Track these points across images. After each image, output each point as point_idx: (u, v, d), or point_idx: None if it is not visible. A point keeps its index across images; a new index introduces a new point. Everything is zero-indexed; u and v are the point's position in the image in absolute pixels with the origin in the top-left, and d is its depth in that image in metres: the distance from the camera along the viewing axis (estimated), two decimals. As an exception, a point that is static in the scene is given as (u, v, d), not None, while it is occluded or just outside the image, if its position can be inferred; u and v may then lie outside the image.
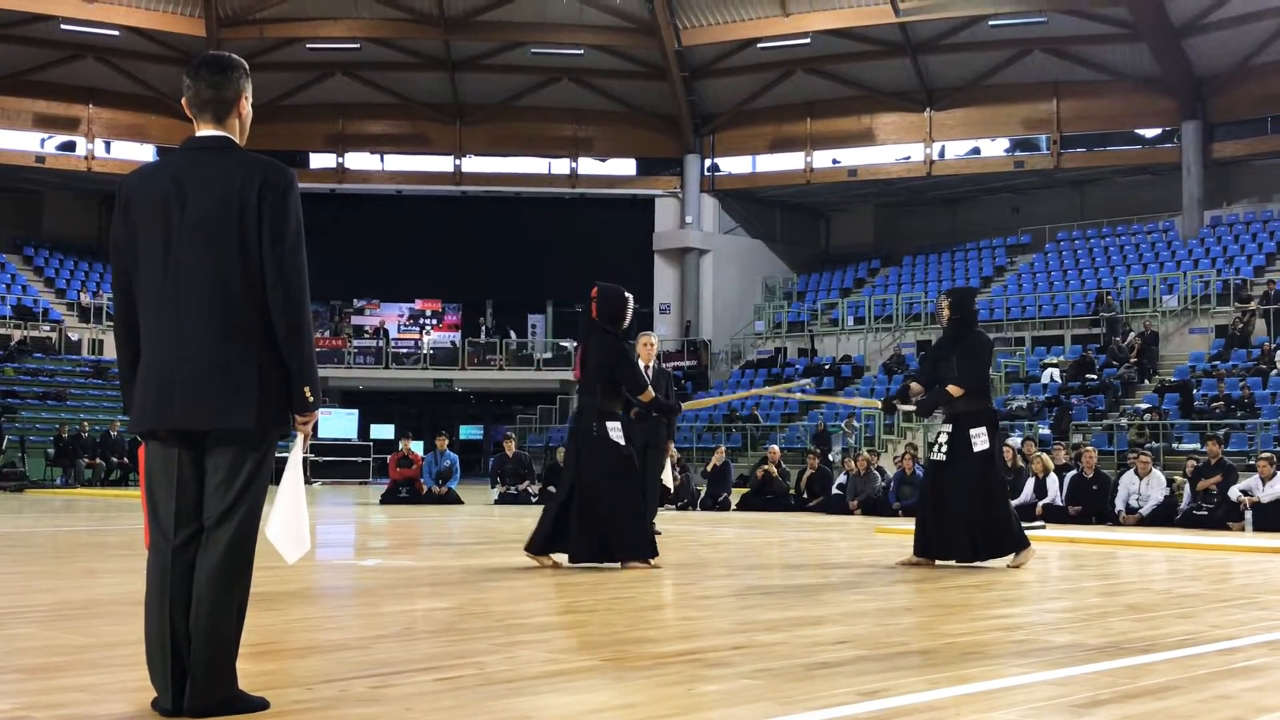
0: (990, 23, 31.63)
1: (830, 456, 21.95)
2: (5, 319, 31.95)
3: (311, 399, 3.60)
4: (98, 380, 30.95)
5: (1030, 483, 16.12)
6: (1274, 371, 23.44)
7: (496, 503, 19.17)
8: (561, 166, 36.83)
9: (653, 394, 8.67)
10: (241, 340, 3.53)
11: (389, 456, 20.98)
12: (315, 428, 3.80)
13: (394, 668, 4.38)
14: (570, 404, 33.31)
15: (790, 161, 35.93)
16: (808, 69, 34.32)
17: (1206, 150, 31.43)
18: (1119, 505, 15.32)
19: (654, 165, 36.86)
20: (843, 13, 32.33)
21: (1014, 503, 10.76)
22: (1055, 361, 26.82)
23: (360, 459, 28.86)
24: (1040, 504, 15.71)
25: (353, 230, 34.98)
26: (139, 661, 3.68)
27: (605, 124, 36.41)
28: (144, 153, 34.76)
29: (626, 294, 8.57)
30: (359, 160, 37.00)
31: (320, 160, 36.51)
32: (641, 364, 9.73)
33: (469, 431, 39.58)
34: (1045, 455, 16.76)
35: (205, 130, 3.66)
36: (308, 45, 34.39)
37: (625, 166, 37.29)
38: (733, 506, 18.35)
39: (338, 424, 30.66)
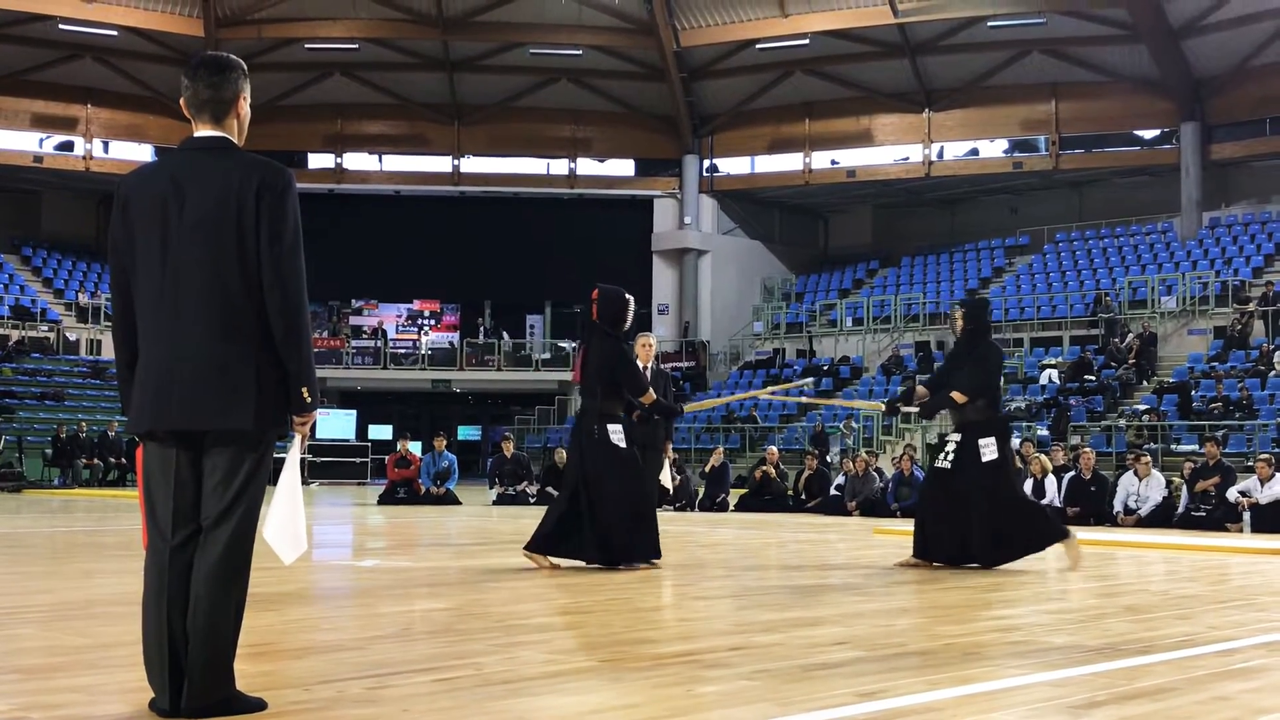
0: (989, 24, 31.64)
1: (828, 458, 21.95)
2: (3, 319, 31.93)
3: (309, 399, 3.60)
4: (95, 380, 30.93)
5: (1028, 484, 16.12)
6: (1272, 373, 23.45)
7: (494, 503, 19.17)
8: (560, 167, 36.83)
9: (654, 396, 8.66)
10: (239, 341, 3.53)
11: (387, 457, 20.97)
12: (313, 428, 3.80)
13: (391, 668, 4.37)
14: (569, 405, 33.34)
15: (789, 162, 35.93)
16: (806, 70, 34.33)
17: (1205, 151, 31.44)
18: (1117, 506, 15.33)
19: (652, 166, 36.86)
20: (841, 14, 32.34)
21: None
22: (1053, 363, 26.83)
23: (358, 459, 28.85)
24: (1038, 505, 15.70)
25: (351, 231, 34.99)
26: (136, 662, 3.68)
27: (604, 124, 36.41)
28: (142, 153, 34.75)
29: (627, 296, 8.56)
30: (357, 161, 36.99)
31: (318, 160, 36.50)
32: (640, 365, 9.73)
33: (467, 432, 39.57)
34: (1043, 456, 16.77)
35: (203, 130, 3.66)
36: (306, 45, 34.39)
37: (624, 167, 37.29)
38: (731, 507, 18.35)
39: (336, 424, 30.66)
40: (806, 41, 33.19)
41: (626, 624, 5.74)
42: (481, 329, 36.76)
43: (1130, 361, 25.68)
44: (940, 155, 34.74)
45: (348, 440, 30.30)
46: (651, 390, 8.66)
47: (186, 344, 3.52)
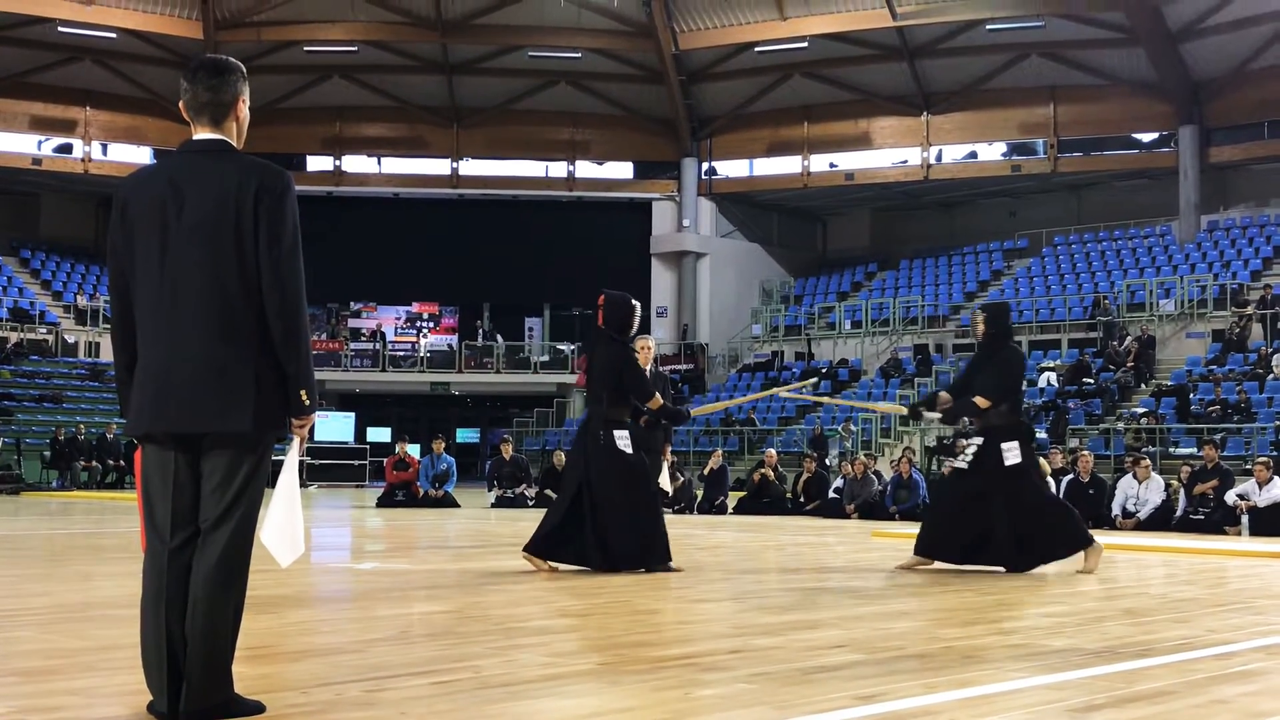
0: (987, 27, 31.66)
1: (827, 460, 21.95)
2: (2, 321, 31.91)
3: (308, 402, 3.60)
4: (94, 383, 30.91)
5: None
6: (1270, 376, 23.46)
7: (493, 506, 19.16)
8: (559, 169, 36.84)
9: (660, 401, 8.65)
10: (238, 343, 3.53)
11: (386, 459, 20.97)
12: (312, 431, 3.79)
13: (390, 671, 4.37)
14: (567, 407, 33.36)
15: (787, 165, 35.95)
16: (805, 73, 34.34)
17: (1203, 155, 31.46)
18: (1115, 510, 15.32)
19: (651, 168, 36.87)
20: (840, 17, 32.36)
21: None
22: (1052, 365, 26.84)
23: (357, 462, 28.84)
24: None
25: (350, 233, 34.99)
26: (135, 665, 3.67)
27: (602, 127, 36.43)
28: (141, 155, 34.75)
29: (633, 301, 8.59)
30: (356, 163, 36.99)
31: (317, 163, 36.49)
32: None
33: (466, 434, 39.57)
34: (1042, 459, 16.75)
35: (202, 133, 3.66)
36: (305, 48, 34.38)
37: (622, 170, 37.30)
38: (729, 510, 18.34)
39: (334, 427, 30.66)
40: (805, 44, 33.21)
41: (625, 627, 5.74)
42: (480, 332, 36.76)
43: (1129, 365, 25.69)
44: (939, 158, 34.76)
45: (346, 443, 30.30)
46: (658, 395, 8.65)
47: (185, 346, 3.52)
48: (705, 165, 36.45)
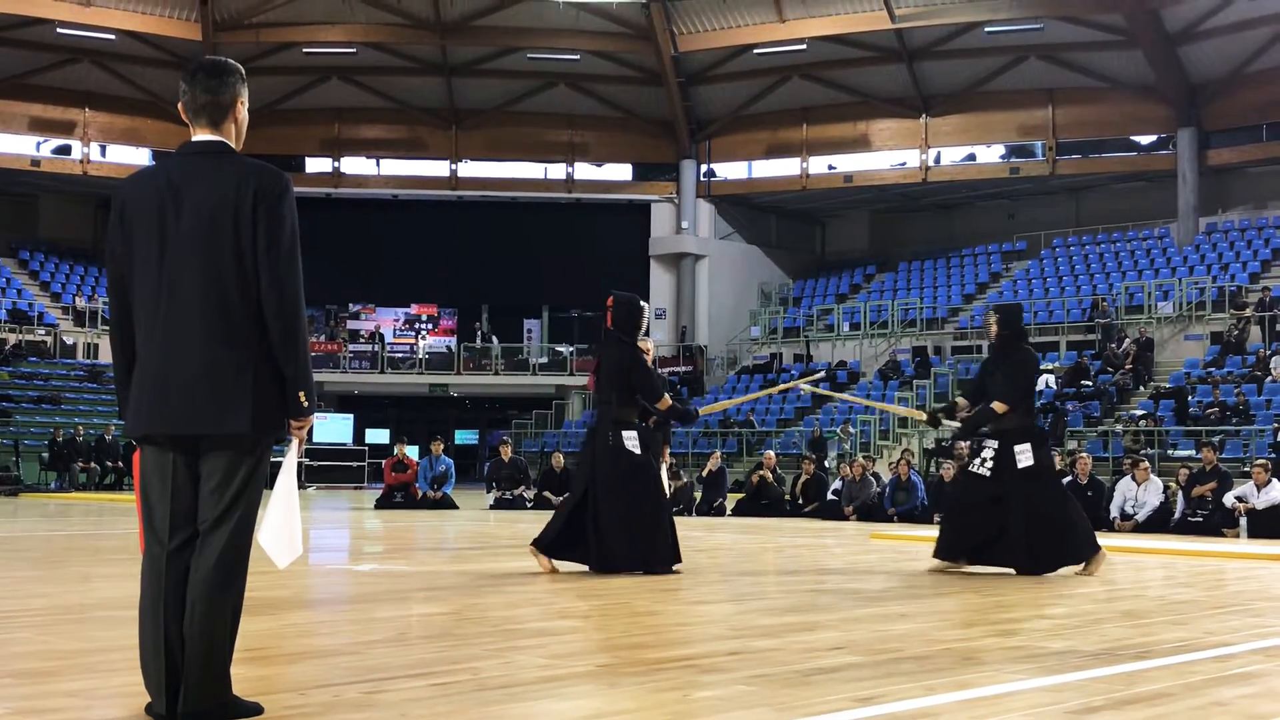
0: (986, 29, 31.68)
1: (826, 462, 21.95)
2: (0, 323, 31.91)
3: (306, 404, 3.60)
4: (92, 384, 30.91)
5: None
6: (1269, 378, 23.47)
7: (492, 508, 19.15)
8: (558, 171, 36.84)
9: (669, 401, 8.69)
10: (237, 345, 3.53)
11: (384, 461, 20.95)
12: (310, 432, 3.79)
13: (388, 673, 4.37)
14: (565, 409, 33.37)
15: (786, 167, 35.96)
16: (804, 75, 34.36)
17: (1202, 157, 31.48)
18: (1114, 512, 15.32)
19: (650, 170, 36.89)
20: (839, 19, 32.38)
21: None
22: (1050, 368, 26.83)
23: (355, 463, 28.83)
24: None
25: (348, 235, 34.98)
26: (133, 666, 3.67)
27: (601, 129, 36.44)
28: (139, 157, 34.76)
29: (642, 302, 8.65)
30: (355, 165, 36.99)
31: (316, 165, 36.50)
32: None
33: (464, 436, 39.57)
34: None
35: (201, 135, 3.66)
36: (304, 50, 34.39)
37: (621, 172, 37.31)
38: (728, 512, 18.34)
39: (333, 428, 30.66)
40: (804, 46, 33.23)
41: (623, 629, 5.74)
42: (478, 333, 36.76)
43: (1127, 367, 25.70)
44: (937, 160, 34.77)
45: (345, 444, 30.30)
46: (667, 396, 8.68)
47: (184, 348, 3.52)
48: (704, 167, 36.46)
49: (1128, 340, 26.67)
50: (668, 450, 11.59)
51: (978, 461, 8.90)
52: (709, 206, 36.45)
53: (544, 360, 35.40)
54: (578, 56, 34.70)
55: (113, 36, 32.68)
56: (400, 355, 35.89)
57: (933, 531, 9.96)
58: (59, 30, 32.11)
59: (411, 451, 21.03)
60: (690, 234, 35.96)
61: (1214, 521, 14.44)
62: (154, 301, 3.55)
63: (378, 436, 33.39)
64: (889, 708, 3.85)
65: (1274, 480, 14.28)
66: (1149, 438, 22.37)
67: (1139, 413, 23.58)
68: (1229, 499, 14.51)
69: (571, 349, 34.97)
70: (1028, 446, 8.64)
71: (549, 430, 32.40)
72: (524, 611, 6.37)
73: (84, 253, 36.35)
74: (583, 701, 3.96)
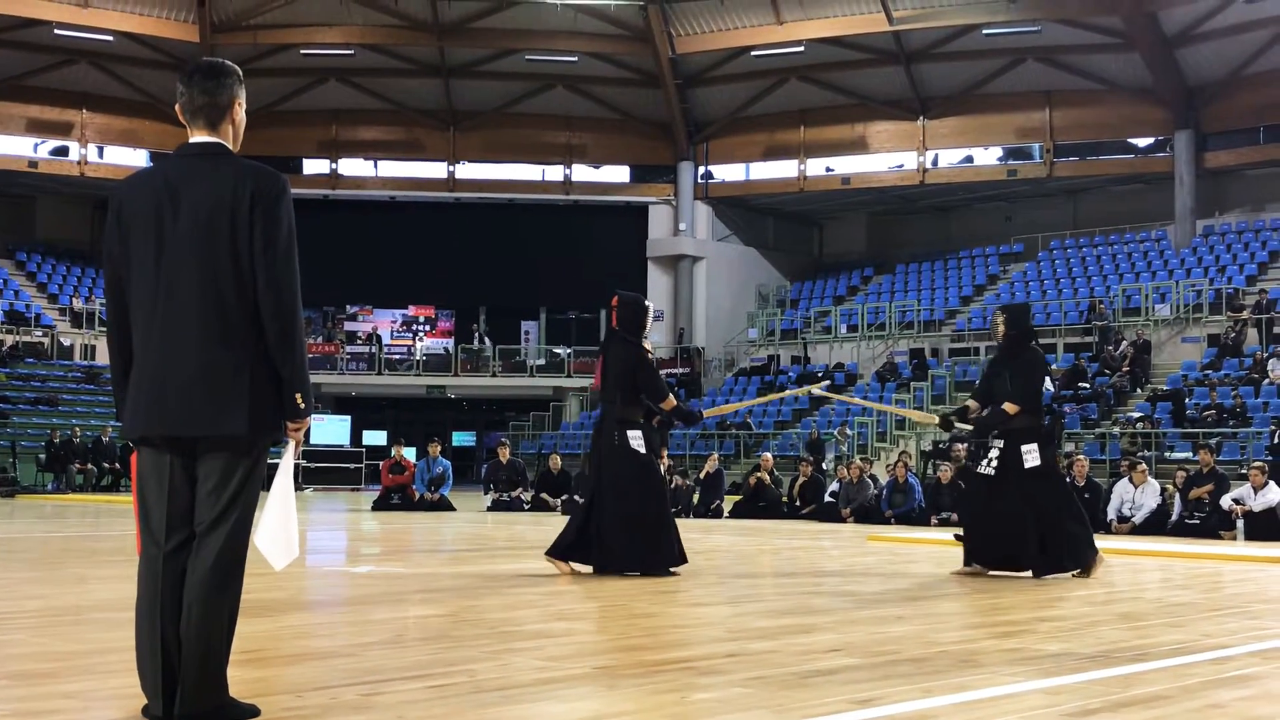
0: (983, 31, 31.70)
1: (823, 464, 21.95)
2: (-2, 324, 31.92)
3: (303, 405, 3.60)
4: (89, 385, 30.89)
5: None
6: (1266, 380, 23.49)
7: (489, 509, 19.13)
8: (555, 173, 36.85)
9: (674, 402, 8.70)
10: (233, 347, 3.53)
11: (381, 463, 20.94)
12: (307, 434, 3.79)
13: (385, 675, 4.37)
14: (563, 411, 33.38)
15: (784, 169, 35.98)
16: (801, 77, 34.38)
17: (1199, 160, 31.51)
18: (1111, 514, 15.32)
19: (648, 172, 36.90)
20: (836, 21, 32.40)
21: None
22: (1047, 370, 26.82)
23: (352, 465, 28.80)
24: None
25: (346, 236, 34.97)
26: (129, 668, 3.67)
27: (599, 131, 36.45)
28: (137, 158, 34.74)
29: (647, 303, 8.71)
30: (352, 166, 36.98)
31: (314, 166, 36.49)
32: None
33: (462, 438, 39.55)
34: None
35: (198, 136, 3.66)
36: (302, 51, 34.39)
37: (619, 173, 37.32)
38: (725, 514, 18.33)
39: (330, 430, 30.61)
40: (802, 49, 33.24)
41: (621, 631, 5.74)
42: (476, 335, 36.76)
43: (1124, 369, 25.72)
44: (935, 162, 34.79)
45: (342, 446, 30.26)
46: (671, 396, 8.69)
47: (181, 350, 3.52)
48: (702, 169, 36.48)
49: (1125, 342, 26.69)
50: (665, 451, 11.60)
51: (985, 462, 8.88)
52: (706, 208, 36.46)
53: (541, 362, 35.39)
54: (575, 58, 34.71)
55: (110, 38, 32.67)
56: (397, 357, 35.88)
57: (930, 534, 9.97)
58: (56, 31, 32.09)
59: (409, 453, 21.01)
60: (688, 236, 35.97)
61: (1211, 524, 14.44)
62: (151, 303, 3.55)
63: (375, 438, 33.35)
64: (886, 710, 3.85)
65: (1271, 482, 14.28)
66: (1146, 440, 22.39)
67: (1136, 415, 23.59)
68: (1226, 501, 14.51)
69: (569, 351, 34.97)
70: (1034, 446, 8.63)
71: (546, 432, 32.39)
72: (521, 613, 6.37)
73: (81, 254, 36.33)
74: (580, 704, 3.96)
